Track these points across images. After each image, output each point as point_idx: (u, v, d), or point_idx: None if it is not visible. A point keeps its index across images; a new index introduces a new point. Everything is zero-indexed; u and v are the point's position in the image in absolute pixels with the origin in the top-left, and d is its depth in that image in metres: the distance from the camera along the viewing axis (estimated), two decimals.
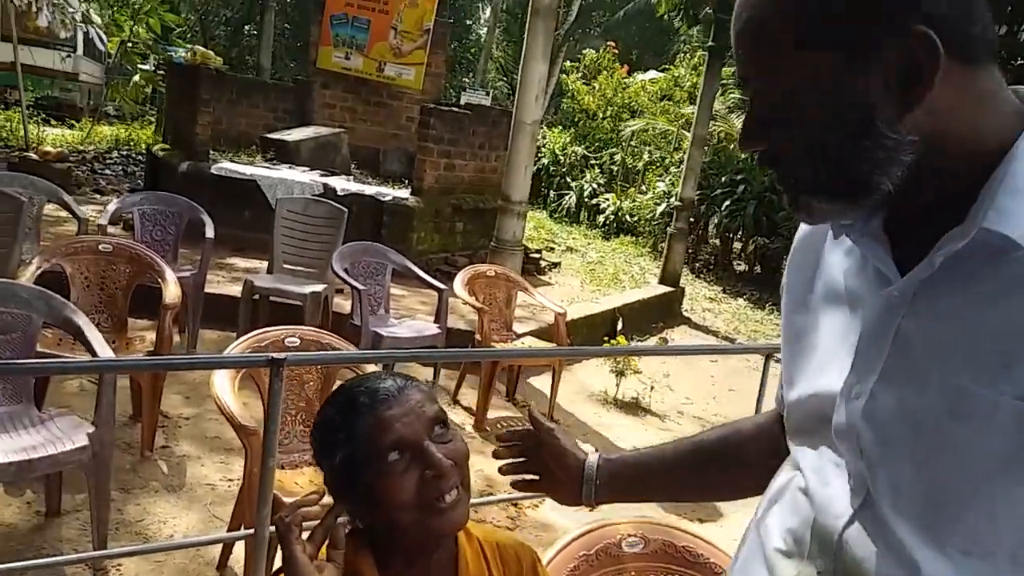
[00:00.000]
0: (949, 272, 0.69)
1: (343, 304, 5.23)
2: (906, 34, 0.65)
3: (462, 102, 10.53)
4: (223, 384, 2.51)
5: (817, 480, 0.80)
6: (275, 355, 1.94)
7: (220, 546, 2.72)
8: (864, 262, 0.78)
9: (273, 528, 1.01)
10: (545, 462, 1.16)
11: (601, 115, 14.56)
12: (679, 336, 7.29)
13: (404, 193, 6.99)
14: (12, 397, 2.63)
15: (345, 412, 1.02)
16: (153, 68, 11.86)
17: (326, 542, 0.98)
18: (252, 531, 2.01)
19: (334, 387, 3.02)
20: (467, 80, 22.70)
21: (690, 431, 4.87)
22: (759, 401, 3.16)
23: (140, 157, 10.06)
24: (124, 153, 10.29)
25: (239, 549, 2.71)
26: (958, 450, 0.68)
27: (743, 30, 0.74)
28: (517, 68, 6.62)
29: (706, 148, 9.39)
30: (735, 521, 3.50)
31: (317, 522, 0.99)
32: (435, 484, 0.99)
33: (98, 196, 8.01)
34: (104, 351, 2.63)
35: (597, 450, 1.16)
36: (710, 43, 8.22)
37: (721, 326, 8.06)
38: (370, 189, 7.04)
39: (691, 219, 8.99)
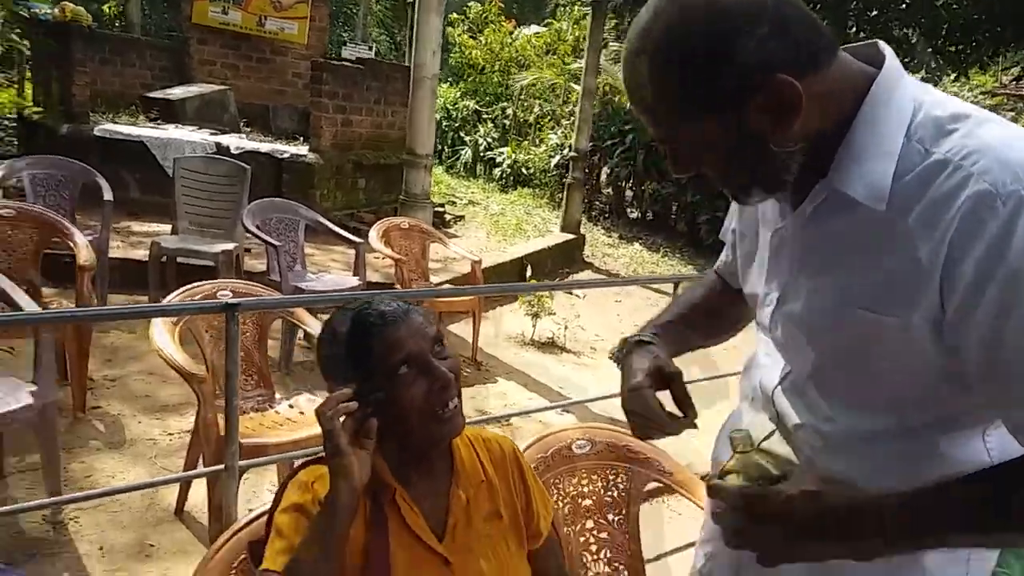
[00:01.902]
0: (820, 217, 0.94)
1: (253, 264, 5.18)
2: (769, 85, 0.84)
3: (344, 56, 10.28)
4: (163, 337, 2.52)
5: (763, 353, 1.10)
6: (230, 300, 2.00)
7: (176, 494, 2.77)
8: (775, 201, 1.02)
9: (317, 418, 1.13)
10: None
11: (490, 69, 14.58)
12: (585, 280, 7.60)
13: (303, 150, 6.88)
14: None
15: (359, 332, 1.14)
16: None
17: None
18: (223, 466, 2.08)
19: (267, 337, 3.09)
20: (346, 34, 22.02)
21: (605, 364, 5.16)
22: None
23: (5, 122, 9.32)
24: None
25: (194, 494, 2.77)
26: (833, 341, 0.95)
27: (637, 106, 0.93)
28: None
29: (595, 100, 9.66)
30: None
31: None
32: (440, 395, 1.13)
33: None
34: (33, 308, 2.58)
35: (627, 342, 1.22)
36: (591, 1, 8.42)
37: (621, 269, 8.44)
38: (265, 147, 6.88)
39: (586, 169, 9.27)
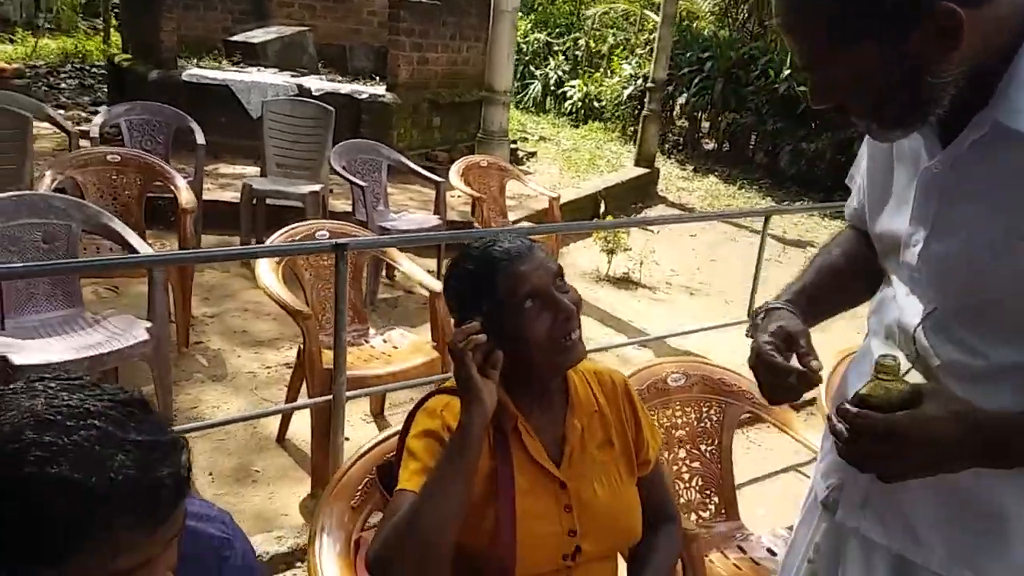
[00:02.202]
0: (977, 151, 0.91)
1: (336, 204, 5.32)
2: (931, 11, 0.82)
3: None
4: (270, 276, 2.66)
5: (902, 291, 1.07)
6: (339, 241, 2.10)
7: (277, 422, 2.97)
8: (920, 135, 0.98)
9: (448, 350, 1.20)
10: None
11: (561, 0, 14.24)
12: (659, 215, 7.52)
13: (380, 90, 6.94)
14: (64, 302, 2.77)
15: (485, 268, 1.21)
16: None
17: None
18: (331, 396, 2.23)
19: (361, 275, 3.22)
20: None
21: (680, 300, 5.23)
22: (758, 264, 3.43)
23: (94, 69, 9.68)
24: (77, 66, 9.88)
25: (295, 423, 2.96)
26: (996, 276, 0.92)
27: (790, 28, 0.90)
28: None
29: (673, 27, 9.35)
30: None
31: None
32: (563, 325, 1.19)
33: (62, 112, 7.78)
34: (145, 250, 2.76)
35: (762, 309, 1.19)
36: None
37: (696, 203, 8.30)
38: (345, 87, 6.96)
39: (662, 100, 9.05)
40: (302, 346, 2.65)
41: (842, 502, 1.14)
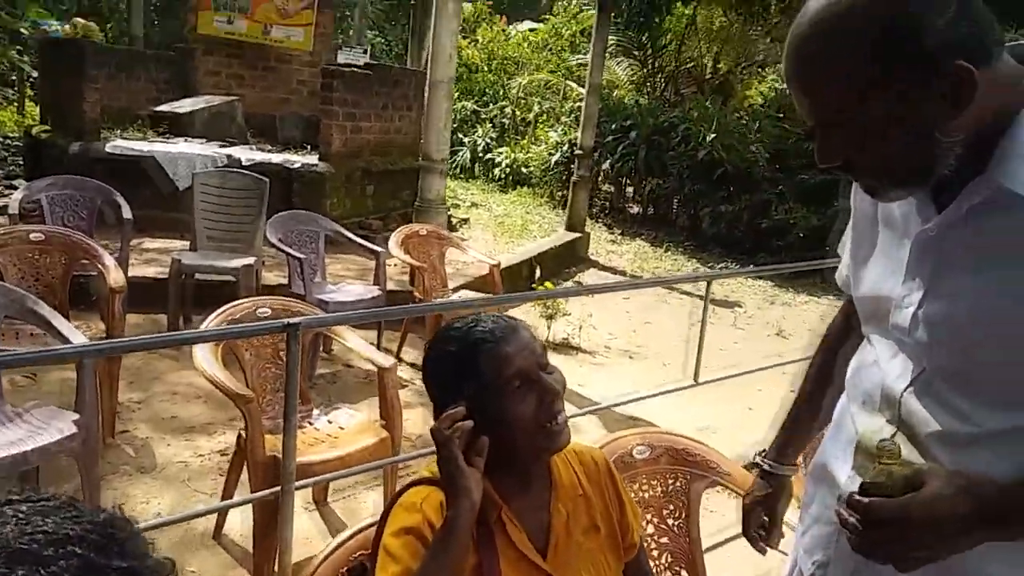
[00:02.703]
0: (974, 217, 0.93)
1: (269, 276, 5.20)
2: (949, 70, 0.85)
3: (340, 61, 10.28)
4: (208, 359, 2.55)
5: (886, 355, 1.07)
6: (291, 320, 2.02)
7: (213, 518, 2.78)
8: (911, 202, 1.01)
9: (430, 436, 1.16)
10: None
11: (486, 69, 14.61)
12: (591, 279, 7.65)
13: (313, 159, 6.89)
14: None
15: (469, 350, 1.17)
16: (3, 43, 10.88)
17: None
18: (279, 488, 2.11)
19: (307, 352, 3.11)
20: (341, 37, 21.95)
21: (620, 364, 5.26)
22: (702, 328, 3.49)
23: (8, 141, 9.31)
24: None
25: (233, 516, 2.78)
26: (993, 340, 0.93)
27: (806, 89, 0.93)
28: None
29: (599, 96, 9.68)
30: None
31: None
32: (549, 408, 1.17)
33: None
34: (77, 337, 2.60)
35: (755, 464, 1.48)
36: None
37: (626, 266, 8.49)
38: (276, 157, 6.89)
39: (591, 166, 9.31)
40: (242, 432, 2.53)
41: None
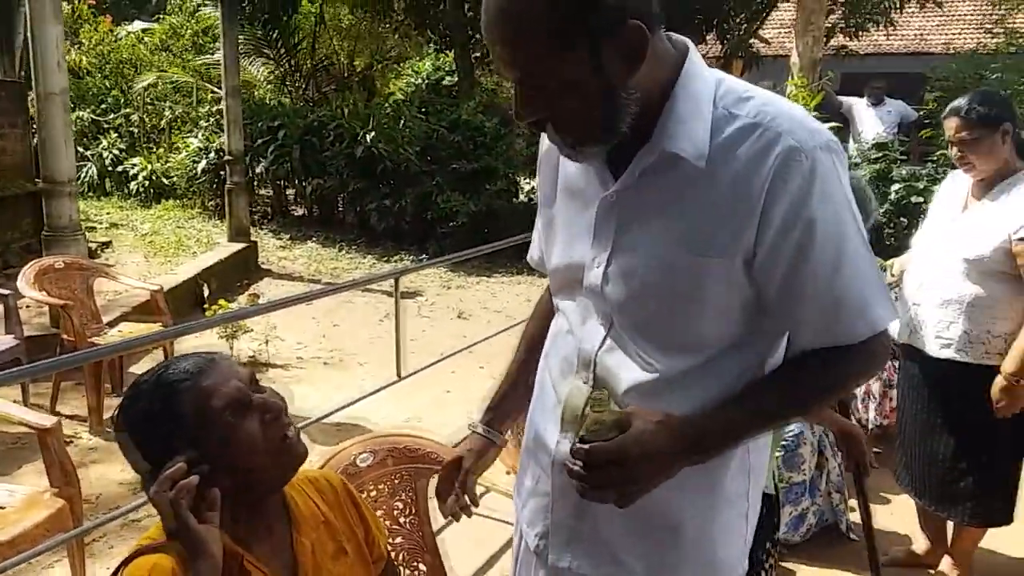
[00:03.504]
0: (646, 178, 1.07)
1: None
2: (623, 29, 0.97)
3: None
4: None
5: (578, 321, 1.18)
6: None
7: None
8: (590, 170, 1.14)
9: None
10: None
11: (98, 73, 12.99)
12: (268, 289, 7.31)
13: None
14: None
15: (167, 400, 1.07)
16: None
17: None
18: None
19: None
20: None
21: (318, 372, 5.13)
22: (396, 320, 3.56)
23: None
24: None
25: None
26: (666, 286, 1.08)
27: (500, 40, 0.99)
28: None
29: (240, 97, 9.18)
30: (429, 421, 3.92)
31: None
32: (275, 425, 1.12)
33: None
34: None
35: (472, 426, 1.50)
36: None
37: (301, 270, 8.26)
38: None
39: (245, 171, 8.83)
40: None
41: (551, 546, 1.21)
